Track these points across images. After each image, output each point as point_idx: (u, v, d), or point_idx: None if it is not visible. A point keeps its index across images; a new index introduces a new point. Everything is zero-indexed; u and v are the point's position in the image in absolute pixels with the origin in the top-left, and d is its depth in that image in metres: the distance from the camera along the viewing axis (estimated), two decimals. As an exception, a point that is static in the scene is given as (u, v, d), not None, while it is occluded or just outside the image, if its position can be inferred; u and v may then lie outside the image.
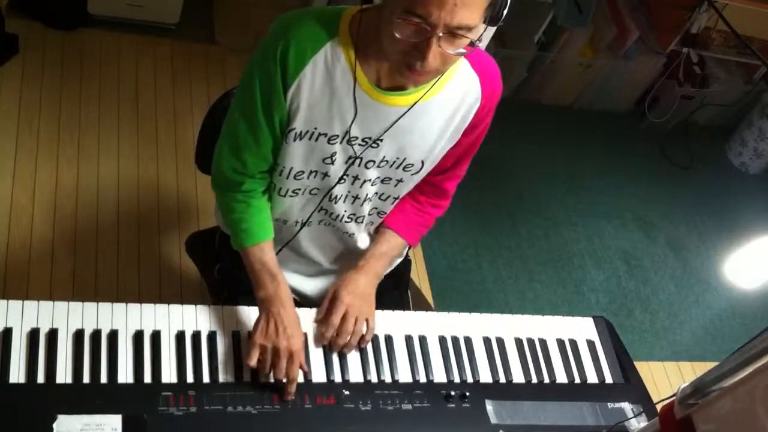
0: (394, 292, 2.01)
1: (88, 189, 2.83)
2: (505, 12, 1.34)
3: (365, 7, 1.44)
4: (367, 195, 1.69)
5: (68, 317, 1.52)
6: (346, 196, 1.69)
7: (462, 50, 1.36)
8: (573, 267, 3.39)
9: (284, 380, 1.56)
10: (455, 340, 1.76)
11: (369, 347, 1.68)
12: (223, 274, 1.96)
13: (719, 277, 3.59)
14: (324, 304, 1.70)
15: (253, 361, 1.56)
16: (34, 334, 1.48)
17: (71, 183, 2.83)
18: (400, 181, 1.69)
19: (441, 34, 1.31)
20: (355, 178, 1.64)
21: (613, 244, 3.56)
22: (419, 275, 3.05)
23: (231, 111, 1.61)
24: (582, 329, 1.90)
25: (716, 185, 4.06)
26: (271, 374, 1.57)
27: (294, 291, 1.89)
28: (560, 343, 1.85)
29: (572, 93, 3.99)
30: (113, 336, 1.53)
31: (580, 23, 3.57)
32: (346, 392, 1.60)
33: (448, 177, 1.77)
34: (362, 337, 1.68)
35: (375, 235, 1.82)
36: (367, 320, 1.69)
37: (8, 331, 1.48)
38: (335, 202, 1.69)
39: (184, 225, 2.85)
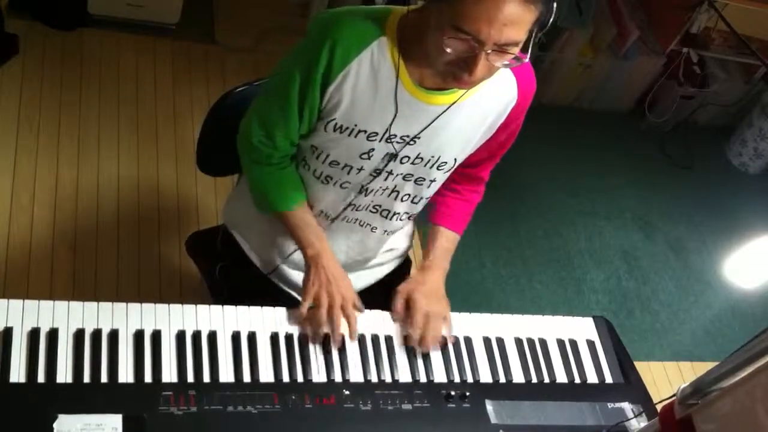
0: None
1: (88, 189, 2.83)
2: (551, 20, 1.38)
3: (412, 8, 1.47)
4: (398, 193, 1.72)
5: (68, 317, 1.52)
6: (376, 189, 1.71)
7: (508, 63, 1.40)
8: (573, 267, 3.39)
9: (339, 326, 1.64)
10: (455, 340, 1.76)
11: (369, 347, 1.68)
12: (225, 274, 1.96)
13: (719, 277, 3.58)
14: (397, 307, 1.72)
15: (305, 307, 1.63)
16: (34, 334, 1.48)
17: (71, 183, 2.83)
18: (432, 180, 1.71)
19: (489, 51, 1.34)
20: (389, 173, 1.67)
21: (613, 244, 3.56)
22: (419, 275, 3.05)
23: (265, 90, 1.64)
24: (582, 329, 1.90)
25: (716, 185, 4.06)
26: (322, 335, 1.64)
27: (293, 286, 1.89)
28: (560, 343, 1.85)
29: (572, 93, 3.99)
30: (113, 336, 1.52)
31: (580, 23, 3.57)
32: (347, 392, 1.60)
33: (482, 168, 1.82)
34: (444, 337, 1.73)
35: (429, 234, 1.84)
36: (445, 318, 1.73)
37: (8, 331, 1.47)
38: (365, 195, 1.71)
39: (184, 225, 2.85)
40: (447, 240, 1.83)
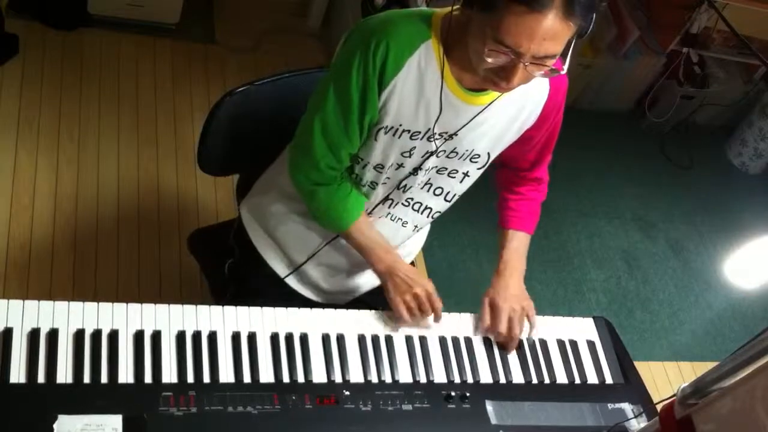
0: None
1: (88, 189, 2.83)
2: (588, 32, 1.44)
3: (456, 8, 1.49)
4: (431, 185, 1.74)
5: (68, 317, 1.52)
6: (413, 185, 1.73)
7: (545, 73, 1.45)
8: (573, 267, 3.39)
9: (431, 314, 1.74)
10: (455, 340, 1.76)
11: (369, 347, 1.69)
12: (233, 270, 1.96)
13: (719, 277, 3.58)
14: (483, 313, 1.80)
15: (404, 314, 1.70)
16: (34, 334, 1.48)
17: (71, 182, 2.83)
18: (465, 174, 1.73)
19: (527, 63, 1.39)
20: (427, 169, 1.69)
21: (613, 244, 3.56)
22: (419, 275, 3.05)
23: (321, 110, 1.59)
24: (582, 329, 1.90)
25: (716, 185, 4.06)
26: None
27: (314, 286, 1.89)
28: (560, 343, 1.85)
29: (572, 93, 3.98)
30: (113, 336, 1.52)
31: (580, 23, 3.57)
32: (347, 392, 1.60)
33: (536, 169, 1.86)
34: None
35: (499, 239, 1.89)
36: (528, 315, 1.81)
37: (8, 331, 1.47)
38: (403, 192, 1.73)
39: (184, 225, 2.84)
40: (518, 241, 1.86)
